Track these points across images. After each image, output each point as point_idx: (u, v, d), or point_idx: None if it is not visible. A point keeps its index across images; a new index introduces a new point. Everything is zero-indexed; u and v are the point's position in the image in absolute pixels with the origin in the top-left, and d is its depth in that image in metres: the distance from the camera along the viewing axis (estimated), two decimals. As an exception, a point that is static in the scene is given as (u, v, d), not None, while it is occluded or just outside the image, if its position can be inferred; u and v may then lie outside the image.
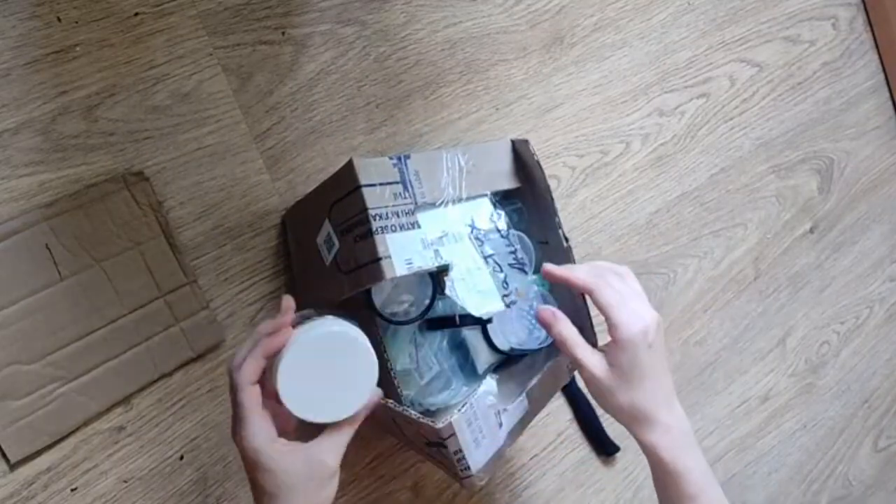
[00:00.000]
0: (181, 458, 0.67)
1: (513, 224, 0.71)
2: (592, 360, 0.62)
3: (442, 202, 0.64)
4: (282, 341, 0.53)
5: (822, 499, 1.17)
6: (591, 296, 0.62)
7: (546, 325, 0.65)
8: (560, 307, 0.67)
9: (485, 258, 0.67)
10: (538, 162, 0.70)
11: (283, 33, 0.73)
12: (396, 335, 0.67)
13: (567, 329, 0.64)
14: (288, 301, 0.55)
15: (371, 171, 0.60)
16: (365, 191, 0.59)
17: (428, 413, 0.69)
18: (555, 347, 0.66)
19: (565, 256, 0.72)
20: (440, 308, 0.67)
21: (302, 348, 0.53)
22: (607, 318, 0.61)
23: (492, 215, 0.69)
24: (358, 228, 0.60)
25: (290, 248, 0.73)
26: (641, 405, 0.61)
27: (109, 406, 0.64)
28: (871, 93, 1.27)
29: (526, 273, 0.71)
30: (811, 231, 1.17)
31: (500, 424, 0.64)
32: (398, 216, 0.60)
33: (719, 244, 1.06)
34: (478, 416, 0.62)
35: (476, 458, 0.61)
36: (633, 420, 0.62)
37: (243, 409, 0.53)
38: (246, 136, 0.71)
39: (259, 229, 0.71)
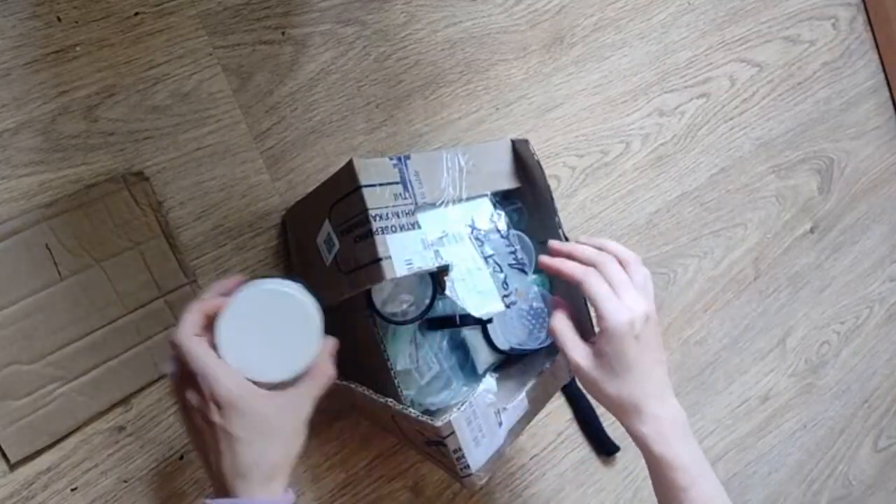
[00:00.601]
0: (181, 458, 0.67)
1: (513, 224, 0.71)
2: (578, 350, 0.63)
3: (442, 202, 0.65)
4: (222, 302, 0.52)
5: (823, 499, 1.17)
6: (580, 287, 0.62)
7: (549, 316, 0.65)
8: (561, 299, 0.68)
9: (485, 258, 0.67)
10: (538, 162, 0.70)
11: (283, 33, 0.73)
12: (396, 335, 0.67)
13: (559, 321, 0.64)
14: (235, 277, 0.56)
15: (371, 171, 0.60)
16: (365, 191, 0.59)
17: (428, 413, 0.69)
18: (554, 347, 0.66)
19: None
20: (440, 308, 0.67)
21: (241, 304, 0.53)
22: (595, 309, 0.61)
23: (492, 215, 0.69)
24: (358, 229, 0.60)
25: (290, 248, 0.73)
26: (629, 396, 0.61)
27: (109, 406, 0.64)
28: (871, 93, 1.27)
29: (526, 273, 0.71)
30: (811, 231, 1.17)
31: (500, 423, 0.64)
32: (398, 217, 0.60)
33: (719, 244, 1.06)
34: (477, 414, 0.62)
35: (476, 457, 0.61)
36: (622, 411, 0.62)
37: (200, 359, 0.51)
38: (246, 136, 0.71)
39: (259, 229, 0.71)
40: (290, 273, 0.73)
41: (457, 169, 0.66)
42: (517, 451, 0.87)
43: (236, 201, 0.70)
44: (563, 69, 0.92)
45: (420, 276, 0.64)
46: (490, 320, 0.68)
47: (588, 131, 0.94)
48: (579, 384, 0.80)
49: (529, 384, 0.67)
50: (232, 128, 0.70)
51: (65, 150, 0.63)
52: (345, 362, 0.60)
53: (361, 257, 0.59)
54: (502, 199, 0.72)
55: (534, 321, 0.71)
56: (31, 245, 0.61)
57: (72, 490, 0.63)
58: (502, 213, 0.70)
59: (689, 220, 1.03)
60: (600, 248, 0.65)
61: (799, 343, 1.15)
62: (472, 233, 0.67)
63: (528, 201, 0.74)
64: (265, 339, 0.53)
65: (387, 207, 0.59)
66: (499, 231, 0.69)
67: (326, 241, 0.64)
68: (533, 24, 0.90)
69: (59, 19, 0.63)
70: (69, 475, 0.63)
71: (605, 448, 0.93)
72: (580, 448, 0.92)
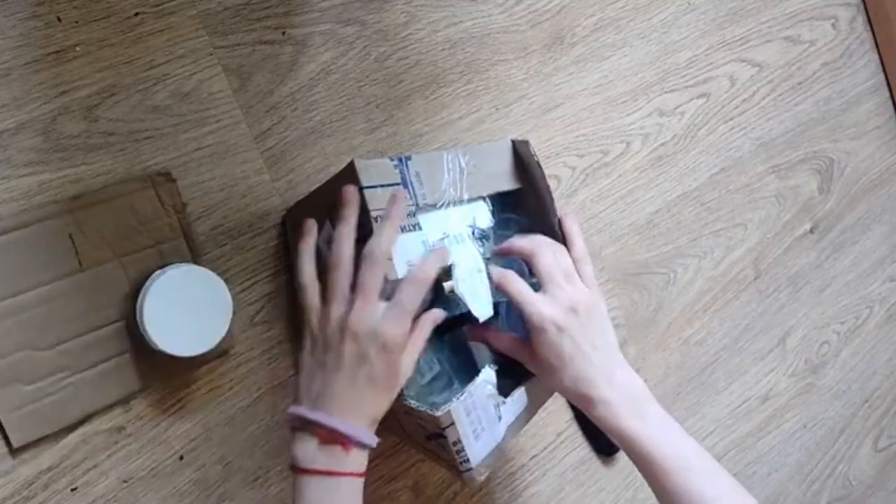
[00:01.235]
0: (181, 458, 0.67)
1: (510, 231, 0.72)
2: (522, 352, 0.64)
3: (443, 204, 0.64)
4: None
5: (823, 499, 1.17)
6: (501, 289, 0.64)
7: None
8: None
9: (485, 260, 0.67)
10: (538, 162, 0.71)
11: (284, 33, 0.73)
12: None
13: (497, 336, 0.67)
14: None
15: (372, 172, 0.60)
16: (366, 192, 0.59)
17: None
18: None
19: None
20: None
21: (160, 289, 0.60)
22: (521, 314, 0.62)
23: (491, 219, 0.69)
24: (359, 230, 0.60)
25: (290, 249, 0.73)
26: (575, 388, 0.62)
27: (115, 400, 0.64)
28: (871, 93, 1.27)
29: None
30: (811, 231, 1.17)
31: (500, 417, 0.64)
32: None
33: (719, 244, 1.06)
34: (476, 405, 0.62)
35: (476, 450, 0.61)
36: (576, 400, 0.63)
37: (368, 290, 0.56)
38: (246, 136, 0.71)
39: (259, 229, 0.71)
40: (290, 273, 0.73)
41: (458, 170, 0.66)
42: (517, 452, 0.87)
43: (236, 201, 0.70)
44: (564, 69, 0.92)
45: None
46: (491, 320, 0.68)
47: (588, 131, 0.94)
48: None
49: (530, 380, 0.67)
50: (232, 128, 0.70)
51: (65, 150, 0.63)
52: None
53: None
54: (500, 210, 0.72)
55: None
56: (54, 234, 0.61)
57: (72, 490, 0.63)
58: (496, 218, 0.70)
59: (689, 220, 1.03)
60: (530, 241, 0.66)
61: (799, 343, 1.15)
62: (472, 233, 0.67)
63: (528, 202, 0.74)
64: (185, 317, 0.61)
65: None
66: (496, 233, 0.69)
67: (327, 241, 0.64)
68: (533, 24, 0.90)
69: (59, 19, 0.63)
70: (69, 475, 0.63)
71: (605, 448, 0.93)
72: (580, 448, 0.92)
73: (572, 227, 0.69)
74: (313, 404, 0.55)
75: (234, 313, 0.65)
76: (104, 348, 0.63)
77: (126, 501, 0.65)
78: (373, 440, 0.57)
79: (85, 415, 0.63)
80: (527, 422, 0.70)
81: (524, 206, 0.73)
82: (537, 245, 0.64)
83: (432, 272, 0.58)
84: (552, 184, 0.73)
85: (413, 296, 0.57)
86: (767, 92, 1.13)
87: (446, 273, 0.63)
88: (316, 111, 0.75)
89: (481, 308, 0.65)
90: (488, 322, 0.66)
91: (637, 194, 0.98)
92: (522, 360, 0.66)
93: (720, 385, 1.06)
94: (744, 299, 1.09)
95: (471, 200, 0.67)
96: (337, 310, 0.57)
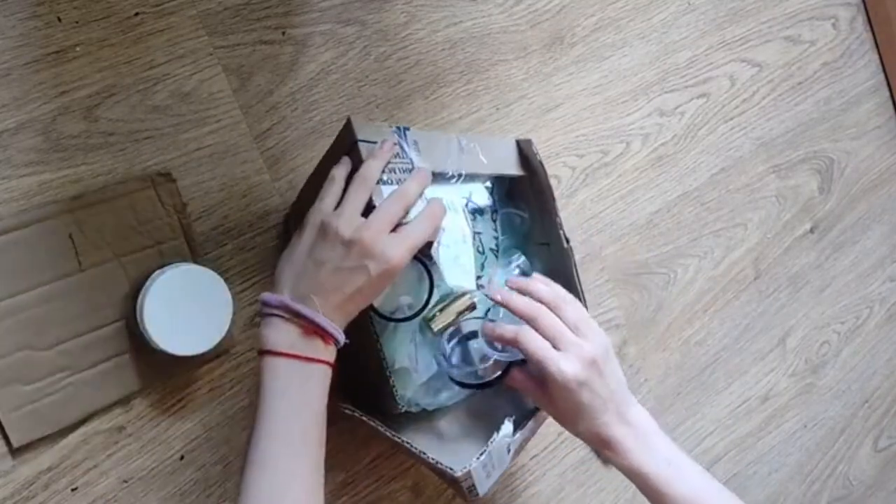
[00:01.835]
0: (181, 458, 0.67)
1: (514, 229, 0.71)
2: (541, 400, 0.65)
3: (440, 174, 0.64)
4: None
5: (823, 498, 1.17)
6: (516, 345, 0.64)
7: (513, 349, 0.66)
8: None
9: (474, 234, 0.67)
10: (541, 162, 0.71)
11: (284, 33, 0.73)
12: (395, 334, 0.66)
13: (519, 376, 0.66)
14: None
15: (368, 130, 0.60)
16: (362, 146, 0.59)
17: (424, 412, 0.69)
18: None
19: (566, 257, 0.72)
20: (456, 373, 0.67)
21: (160, 289, 0.61)
22: (538, 367, 0.63)
23: (488, 197, 0.70)
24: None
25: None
26: (590, 434, 0.64)
27: (115, 400, 0.64)
28: (871, 93, 1.27)
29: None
30: (811, 231, 1.17)
31: (509, 450, 0.65)
32: (395, 172, 0.60)
33: (719, 244, 1.06)
34: (493, 456, 0.63)
35: (485, 486, 0.63)
36: (592, 442, 0.65)
37: (357, 206, 0.58)
38: (246, 136, 0.71)
39: (259, 229, 0.71)
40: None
41: (457, 149, 0.66)
42: (517, 451, 0.87)
43: (236, 201, 0.70)
44: (564, 69, 0.92)
45: (419, 276, 0.64)
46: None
47: (588, 131, 0.94)
48: None
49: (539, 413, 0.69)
50: (232, 128, 0.70)
51: (65, 150, 0.63)
52: (346, 369, 0.60)
53: None
54: (503, 205, 0.72)
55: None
56: (54, 234, 0.61)
57: (72, 490, 0.63)
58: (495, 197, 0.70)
59: (690, 220, 1.03)
60: (527, 291, 0.66)
61: (799, 343, 1.15)
62: (466, 205, 0.67)
63: (529, 202, 0.74)
64: (186, 316, 0.62)
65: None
66: (492, 211, 0.69)
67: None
68: (533, 24, 0.90)
69: (59, 19, 0.63)
70: (69, 475, 0.63)
71: (605, 448, 0.93)
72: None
73: (544, 288, 0.68)
74: (301, 298, 0.57)
75: (234, 313, 0.65)
76: (104, 348, 0.63)
77: (126, 501, 0.65)
78: (344, 338, 0.59)
79: (85, 415, 0.63)
80: (529, 440, 0.71)
81: (526, 201, 0.74)
82: (535, 309, 0.64)
83: (413, 192, 0.60)
84: (552, 184, 0.73)
85: (395, 213, 0.59)
86: (767, 92, 1.13)
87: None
88: (316, 111, 0.75)
89: (459, 277, 0.65)
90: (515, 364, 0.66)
91: (637, 194, 0.98)
92: (540, 405, 0.67)
93: (720, 385, 1.06)
94: (744, 299, 1.08)
95: (469, 179, 0.67)
96: (352, 219, 0.58)
